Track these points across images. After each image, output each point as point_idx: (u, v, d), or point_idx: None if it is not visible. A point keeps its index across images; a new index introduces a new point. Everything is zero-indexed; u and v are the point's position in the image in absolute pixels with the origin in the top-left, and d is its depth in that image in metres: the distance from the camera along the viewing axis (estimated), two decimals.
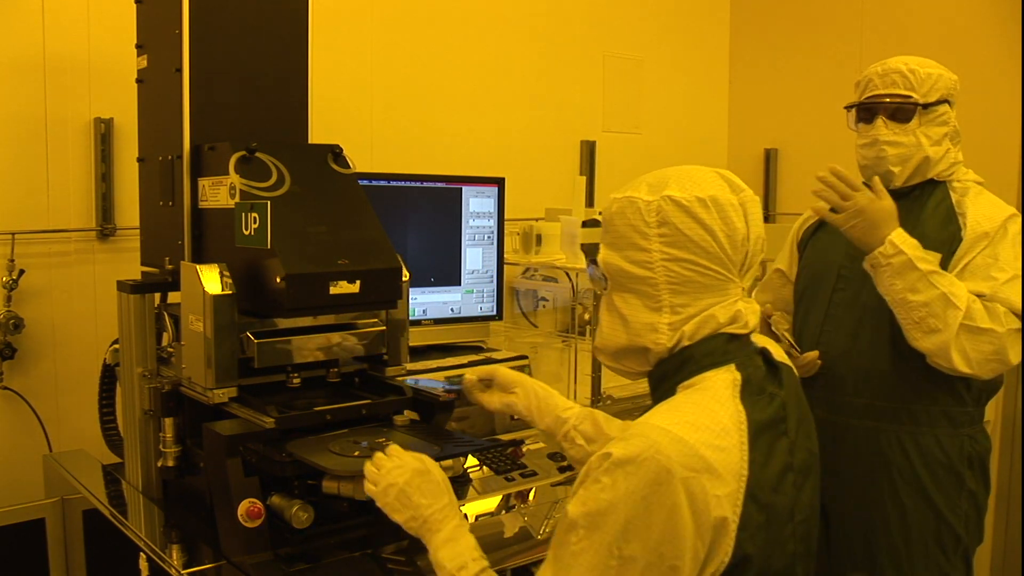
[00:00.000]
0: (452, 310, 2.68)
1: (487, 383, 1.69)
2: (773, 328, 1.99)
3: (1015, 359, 1.83)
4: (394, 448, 1.42)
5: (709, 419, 1.11)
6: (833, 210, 1.89)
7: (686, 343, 1.19)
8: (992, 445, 2.04)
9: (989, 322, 1.79)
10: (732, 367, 1.18)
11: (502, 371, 1.68)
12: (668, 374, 1.21)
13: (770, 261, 2.40)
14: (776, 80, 3.98)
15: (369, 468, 1.40)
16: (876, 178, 1.88)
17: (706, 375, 1.18)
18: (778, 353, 1.30)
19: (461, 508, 1.38)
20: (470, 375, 1.70)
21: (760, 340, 1.28)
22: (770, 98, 4.02)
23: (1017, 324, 1.82)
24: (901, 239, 1.81)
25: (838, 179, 1.86)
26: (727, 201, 1.18)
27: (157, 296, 1.91)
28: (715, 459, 1.07)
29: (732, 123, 4.18)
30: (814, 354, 1.96)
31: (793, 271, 2.21)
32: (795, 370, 1.34)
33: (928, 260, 1.81)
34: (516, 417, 1.71)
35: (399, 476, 1.35)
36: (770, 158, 4.03)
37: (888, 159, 1.96)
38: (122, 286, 1.89)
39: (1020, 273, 1.86)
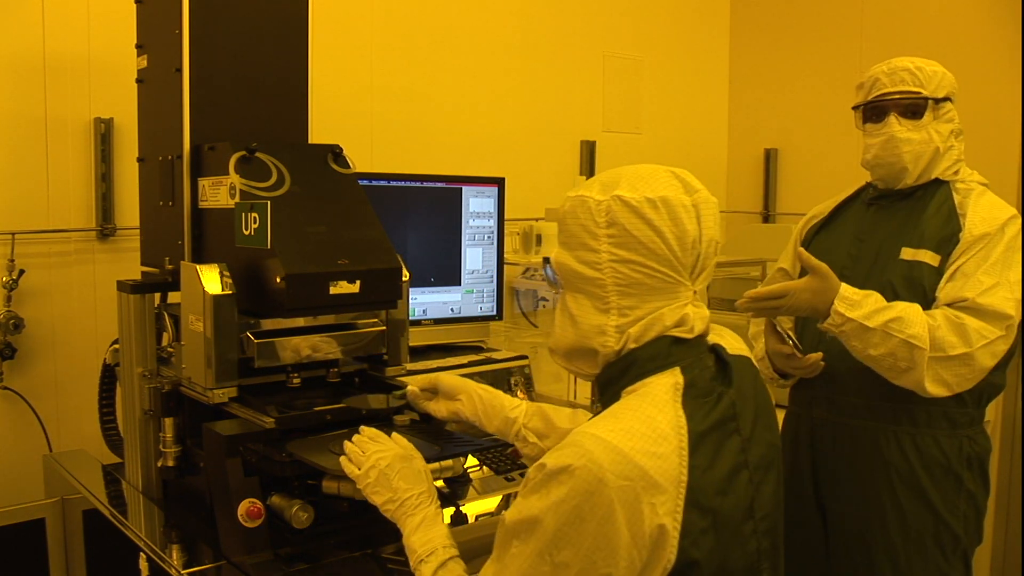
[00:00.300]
0: (452, 310, 2.68)
1: (431, 392, 1.67)
2: (777, 327, 1.99)
3: (991, 364, 1.84)
4: (376, 432, 1.45)
5: (645, 426, 1.09)
6: None
7: (632, 346, 1.17)
8: (992, 446, 2.04)
9: (960, 346, 1.79)
10: (676, 371, 1.16)
11: (444, 379, 1.65)
12: (614, 379, 1.20)
13: (772, 261, 2.40)
14: (776, 80, 3.98)
15: (352, 449, 1.42)
16: (801, 251, 1.87)
17: (648, 380, 1.16)
18: (735, 347, 1.28)
19: (439, 502, 1.39)
20: (412, 386, 1.67)
21: (715, 336, 1.27)
22: (770, 98, 4.01)
23: (990, 336, 1.81)
24: (845, 305, 1.79)
25: (756, 300, 1.84)
26: (678, 202, 1.16)
27: (157, 296, 1.91)
28: (651, 466, 1.06)
29: (732, 123, 4.18)
30: (817, 355, 1.96)
31: (796, 270, 2.20)
32: (754, 362, 1.31)
33: (880, 311, 1.79)
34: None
35: (382, 459, 1.38)
36: (770, 158, 4.03)
37: (903, 156, 1.96)
38: (122, 286, 1.89)
39: (1010, 278, 1.85)
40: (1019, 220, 1.93)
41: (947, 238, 1.92)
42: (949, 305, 1.84)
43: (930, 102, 1.95)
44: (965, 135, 2.04)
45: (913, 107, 1.96)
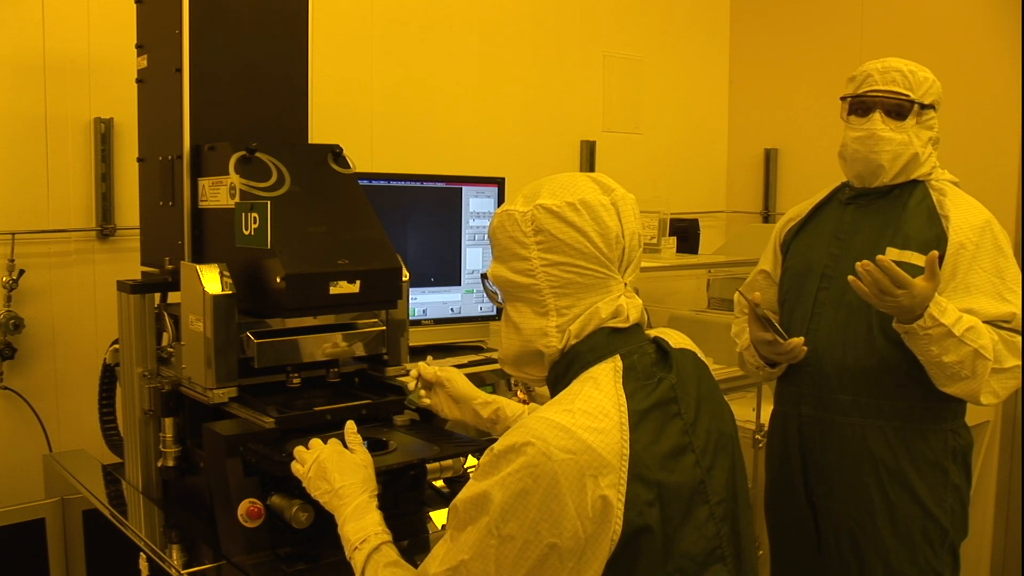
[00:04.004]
0: (452, 310, 2.68)
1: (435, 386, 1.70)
2: (759, 314, 2.01)
3: None
4: (333, 440, 1.50)
5: (587, 404, 1.15)
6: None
7: (574, 341, 1.24)
8: (974, 439, 2.07)
9: (1012, 359, 1.86)
10: (616, 358, 1.22)
11: (458, 380, 1.69)
12: (560, 376, 1.25)
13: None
14: (776, 80, 3.98)
15: (299, 449, 1.47)
16: (934, 256, 1.78)
17: (592, 370, 1.22)
18: (678, 342, 1.34)
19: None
20: (431, 370, 1.70)
21: (659, 332, 1.33)
22: (770, 98, 4.01)
23: None
24: (939, 311, 1.80)
25: (884, 274, 1.75)
26: (597, 202, 1.22)
27: (157, 296, 1.91)
28: (594, 440, 1.11)
29: (732, 123, 4.18)
30: (799, 340, 1.98)
31: (777, 273, 2.23)
32: (700, 355, 1.35)
33: (960, 319, 1.82)
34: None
35: (321, 454, 1.44)
36: (770, 158, 4.03)
37: (882, 154, 2.00)
38: (122, 286, 1.89)
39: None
40: (996, 222, 1.98)
41: (932, 240, 1.95)
42: (991, 322, 1.88)
43: (916, 106, 1.99)
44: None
45: (899, 108, 1.99)
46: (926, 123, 2.01)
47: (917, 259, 1.92)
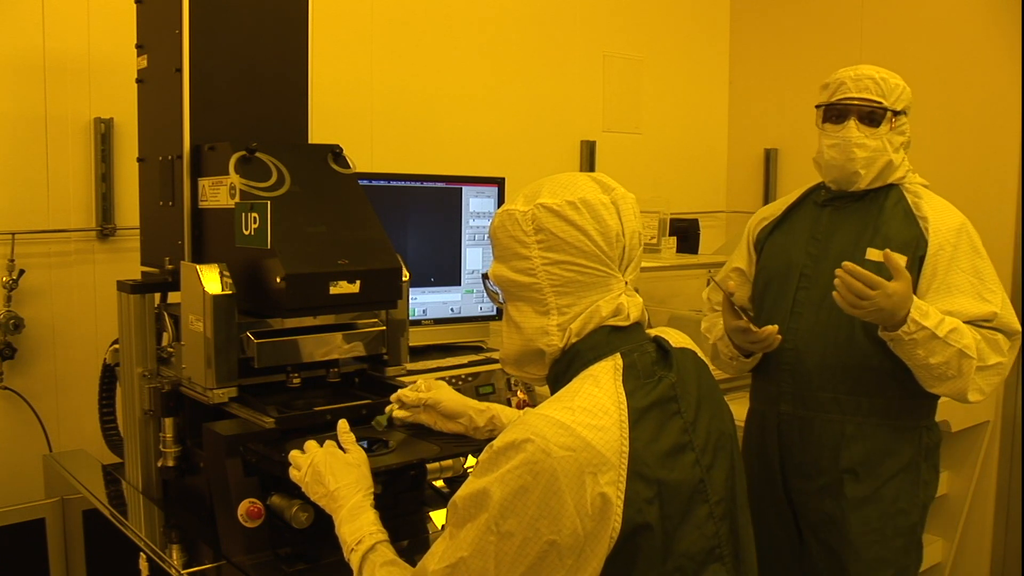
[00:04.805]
0: (452, 310, 2.68)
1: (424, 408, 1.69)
2: (735, 304, 2.02)
3: (1007, 374, 1.97)
4: (330, 442, 1.50)
5: (587, 401, 1.15)
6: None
7: (574, 340, 1.24)
8: (941, 437, 2.11)
9: (995, 357, 1.91)
10: (617, 356, 1.23)
11: (447, 399, 1.67)
12: (560, 374, 1.26)
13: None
14: (776, 80, 3.98)
15: (294, 454, 1.47)
16: (895, 257, 1.84)
17: (591, 367, 1.22)
18: (678, 341, 1.34)
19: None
20: (413, 395, 1.68)
21: (659, 331, 1.33)
22: (770, 98, 4.01)
23: (1013, 346, 1.95)
24: (921, 315, 1.83)
25: (854, 278, 1.80)
26: (598, 201, 1.23)
27: (157, 296, 1.91)
28: (593, 438, 1.11)
29: (732, 123, 4.18)
30: (773, 328, 1.99)
31: (752, 271, 2.25)
32: (700, 355, 1.36)
33: (943, 321, 1.85)
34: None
35: (316, 457, 1.44)
36: (770, 158, 4.03)
37: (857, 161, 2.03)
38: (122, 286, 1.89)
39: (1002, 292, 1.97)
40: (969, 224, 2.02)
41: (911, 240, 1.98)
42: (972, 322, 1.91)
43: (888, 113, 2.03)
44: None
45: (873, 115, 2.03)
46: (899, 129, 2.05)
47: (897, 259, 1.94)
